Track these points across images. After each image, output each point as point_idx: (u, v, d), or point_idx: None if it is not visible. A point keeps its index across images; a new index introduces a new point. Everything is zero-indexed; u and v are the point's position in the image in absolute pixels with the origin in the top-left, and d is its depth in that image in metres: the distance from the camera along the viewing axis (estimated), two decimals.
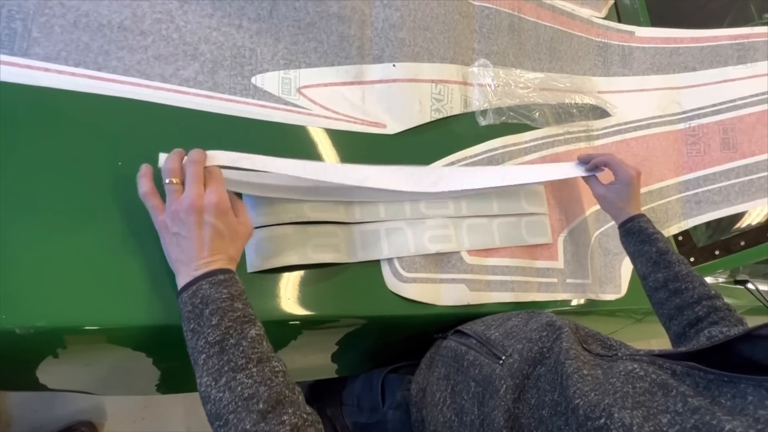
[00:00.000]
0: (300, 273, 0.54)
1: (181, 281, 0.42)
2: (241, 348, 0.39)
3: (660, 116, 0.87)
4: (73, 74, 0.48)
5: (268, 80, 0.58)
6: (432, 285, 0.61)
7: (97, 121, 0.48)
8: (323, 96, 0.61)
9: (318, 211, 0.56)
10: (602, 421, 0.34)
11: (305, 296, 0.53)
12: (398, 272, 0.60)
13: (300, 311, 0.53)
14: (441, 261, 0.63)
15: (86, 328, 0.43)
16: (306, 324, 0.54)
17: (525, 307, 0.69)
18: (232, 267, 0.44)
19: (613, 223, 0.82)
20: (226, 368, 0.38)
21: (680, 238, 0.86)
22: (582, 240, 0.77)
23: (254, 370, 0.39)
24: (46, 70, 0.47)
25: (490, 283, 0.66)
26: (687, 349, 0.41)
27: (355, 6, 0.64)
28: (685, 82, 0.89)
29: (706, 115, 0.87)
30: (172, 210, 0.42)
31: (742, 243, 0.86)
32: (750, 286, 0.93)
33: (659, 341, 1.76)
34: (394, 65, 0.66)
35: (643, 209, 0.84)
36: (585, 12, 0.88)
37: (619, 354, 0.44)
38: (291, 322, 0.53)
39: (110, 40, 0.51)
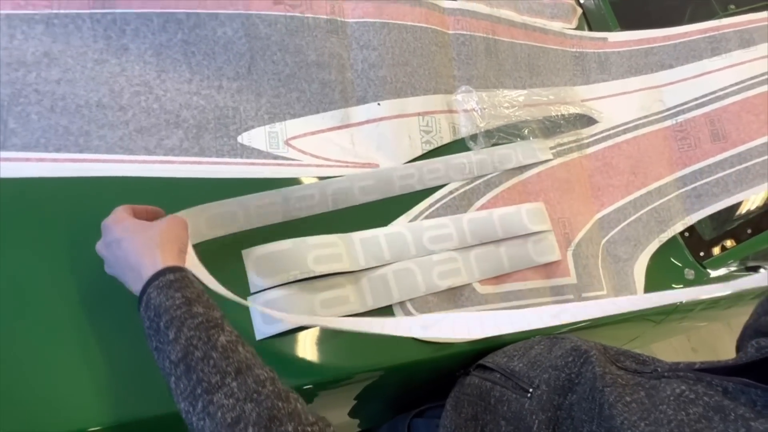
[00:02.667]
0: (309, 331, 0.52)
1: (136, 293, 0.37)
2: (211, 361, 0.33)
3: (646, 116, 0.88)
4: (55, 160, 0.47)
5: (255, 137, 0.57)
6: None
7: (85, 205, 0.47)
8: (312, 144, 0.60)
9: (322, 263, 0.54)
10: None
11: (317, 356, 0.51)
12: (411, 314, 0.57)
13: (313, 374, 0.50)
14: (454, 296, 0.61)
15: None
16: (321, 385, 0.52)
17: (543, 331, 0.67)
18: (180, 262, 0.39)
19: (618, 228, 0.82)
20: (198, 390, 0.32)
21: (686, 234, 0.85)
22: (590, 251, 0.75)
23: (233, 385, 0.32)
24: (27, 159, 0.46)
25: (506, 310, 0.64)
26: (734, 361, 0.38)
27: (332, 51, 0.64)
28: (665, 79, 0.89)
29: (690, 109, 0.87)
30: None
31: (749, 231, 0.85)
32: (763, 271, 0.92)
33: (679, 340, 1.73)
34: (378, 104, 0.65)
35: (645, 210, 0.84)
36: (556, 25, 0.89)
37: (659, 370, 0.42)
38: (305, 387, 0.50)
39: (90, 119, 0.50)
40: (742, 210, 0.86)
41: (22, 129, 0.47)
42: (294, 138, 0.59)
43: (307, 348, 0.51)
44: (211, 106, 0.56)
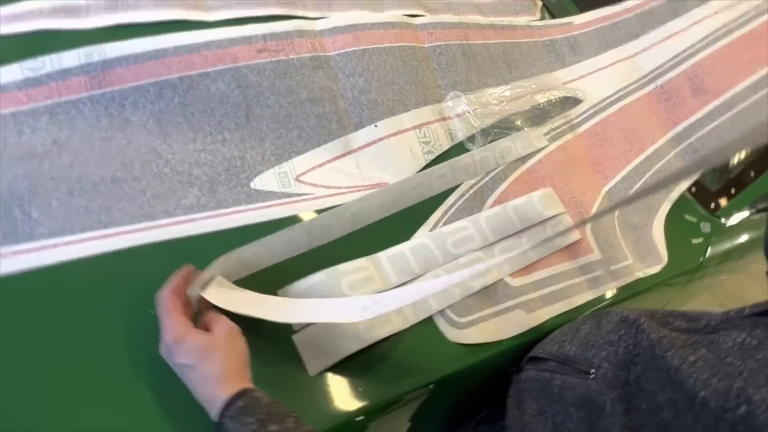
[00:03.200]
0: (353, 360, 0.51)
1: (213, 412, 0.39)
2: None
3: (627, 86, 0.90)
4: (82, 240, 0.48)
5: (266, 180, 0.58)
6: (490, 321, 0.59)
7: (119, 279, 0.47)
8: (321, 176, 0.62)
9: (356, 288, 0.54)
10: (742, 409, 0.32)
11: (364, 384, 0.50)
12: (454, 321, 0.57)
13: (363, 403, 0.49)
14: (489, 295, 0.61)
15: None
16: (372, 414, 0.51)
17: (582, 310, 0.67)
18: (245, 380, 0.40)
19: (627, 197, 0.83)
20: None
21: (693, 189, 0.87)
22: (607, 224, 0.76)
23: None
24: (55, 246, 0.47)
25: (543, 298, 0.65)
26: None
27: (321, 86, 0.66)
28: (636, 48, 0.93)
29: (667, 71, 0.90)
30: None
31: (752, 174, 0.87)
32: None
33: (705, 299, 1.72)
34: (375, 125, 0.67)
35: (648, 174, 0.85)
36: (522, 20, 0.92)
37: (711, 324, 0.42)
38: (356, 419, 0.50)
39: (108, 195, 0.51)
40: (741, 155, 0.88)
41: (45, 217, 0.47)
42: (303, 173, 0.61)
43: (353, 377, 0.51)
44: (218, 159, 0.57)
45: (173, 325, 0.39)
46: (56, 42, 0.55)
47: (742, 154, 0.88)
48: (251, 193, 0.57)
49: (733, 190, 0.87)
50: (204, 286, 0.43)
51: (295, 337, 0.51)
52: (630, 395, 0.42)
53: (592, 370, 0.47)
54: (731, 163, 0.88)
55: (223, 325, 0.42)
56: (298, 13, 0.70)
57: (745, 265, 1.59)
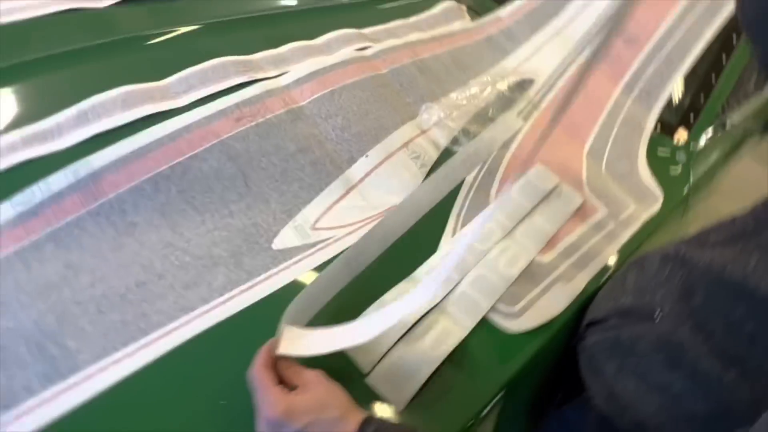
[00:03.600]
0: (426, 387, 0.50)
1: None
2: None
3: (567, 56, 0.97)
4: (128, 354, 0.45)
5: (285, 237, 0.58)
6: (540, 302, 0.60)
7: (179, 379, 0.45)
8: (335, 218, 0.62)
9: (409, 307, 0.54)
10: None
11: (446, 406, 0.49)
12: (507, 312, 0.58)
13: (452, 423, 0.48)
14: (528, 278, 0.62)
15: None
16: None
17: (611, 265, 0.69)
18: (361, 411, 0.40)
19: (607, 151, 0.87)
20: None
21: (658, 129, 0.93)
22: (599, 183, 0.80)
23: None
24: (102, 369, 0.44)
25: (574, 264, 0.66)
26: None
27: (305, 134, 0.67)
28: (563, 22, 1.00)
29: (597, 33, 0.98)
30: None
31: (702, 98, 0.94)
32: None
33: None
34: (366, 156, 0.68)
35: (617, 126, 0.91)
36: (456, 26, 0.99)
37: (748, 226, 0.44)
38: None
39: (138, 302, 0.49)
40: (682, 87, 0.96)
41: (84, 344, 0.45)
42: (317, 221, 0.61)
43: (433, 402, 0.50)
44: (233, 232, 0.57)
45: (276, 397, 0.38)
46: (40, 168, 0.54)
47: (687, 84, 0.95)
48: (276, 254, 0.56)
49: (691, 118, 0.94)
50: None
51: (369, 380, 0.49)
52: (702, 323, 0.44)
53: (656, 313, 0.48)
54: (681, 95, 0.95)
55: (310, 373, 0.41)
56: (260, 75, 0.71)
57: (716, 188, 1.69)
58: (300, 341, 0.43)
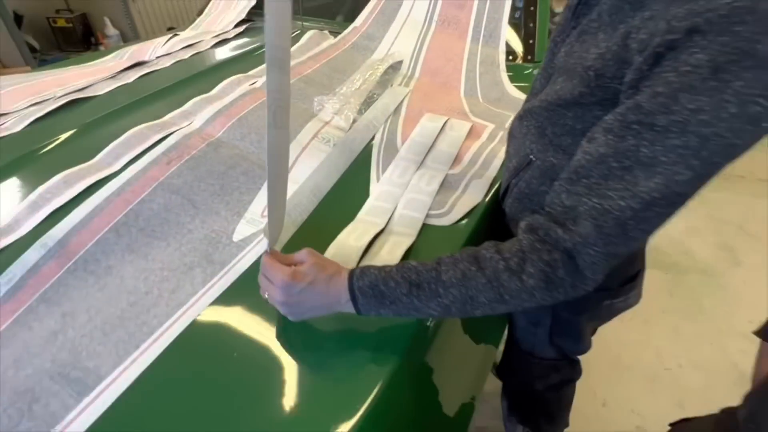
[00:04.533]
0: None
1: (345, 303, 0.48)
2: (431, 274, 0.46)
3: (421, 31, 1.17)
4: (142, 352, 0.52)
5: (242, 230, 0.68)
6: (463, 198, 0.73)
7: (187, 360, 0.52)
8: None
9: (360, 240, 0.64)
10: None
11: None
12: (440, 213, 0.70)
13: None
14: (447, 187, 0.75)
15: None
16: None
17: None
18: (346, 272, 0.50)
19: (479, 87, 1.05)
20: (433, 285, 0.45)
21: (510, 57, 1.12)
22: (481, 109, 0.97)
23: (449, 275, 0.45)
24: (125, 369, 0.50)
25: (481, 166, 0.80)
26: None
27: (229, 155, 0.78)
28: (406, 10, 1.21)
29: (433, 6, 1.19)
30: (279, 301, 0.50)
31: (531, 24, 1.16)
32: None
33: None
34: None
35: (478, 66, 1.09)
36: (325, 45, 1.17)
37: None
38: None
39: (135, 315, 0.56)
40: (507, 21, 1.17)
41: (100, 361, 0.51)
42: (263, 210, 0.71)
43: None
44: (196, 242, 0.65)
45: (283, 269, 0.49)
46: (9, 254, 0.61)
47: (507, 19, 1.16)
48: (238, 244, 0.66)
49: (531, 41, 1.15)
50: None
51: None
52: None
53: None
54: (515, 28, 1.16)
55: (302, 252, 0.52)
56: (174, 129, 0.83)
57: None
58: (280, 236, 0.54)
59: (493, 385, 1.05)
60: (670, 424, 0.68)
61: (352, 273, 0.49)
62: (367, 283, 0.48)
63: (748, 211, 2.12)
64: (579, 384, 0.92)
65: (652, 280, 0.78)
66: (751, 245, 1.92)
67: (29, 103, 0.99)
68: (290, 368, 0.51)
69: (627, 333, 1.54)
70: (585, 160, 0.42)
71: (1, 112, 0.96)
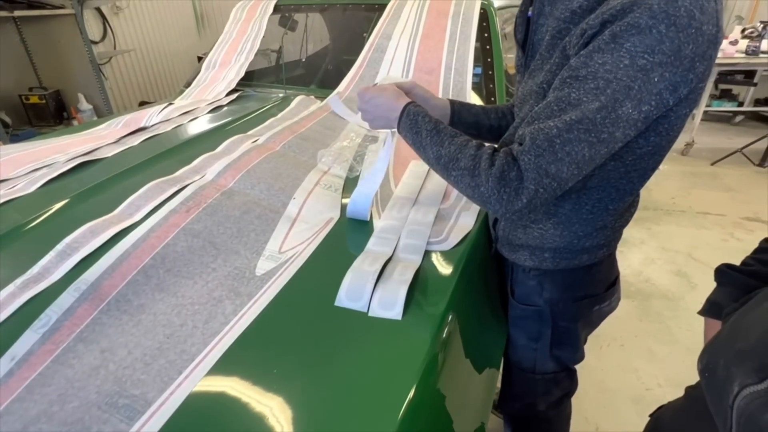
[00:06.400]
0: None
1: (394, 118, 0.69)
2: (450, 131, 0.63)
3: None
4: (186, 377, 0.55)
5: (263, 265, 0.74)
6: (457, 225, 0.83)
7: (228, 381, 0.56)
8: (292, 240, 0.80)
9: (380, 245, 0.72)
10: None
11: (426, 299, 0.68)
12: (439, 240, 0.79)
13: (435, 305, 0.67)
14: (441, 219, 0.86)
15: None
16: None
17: None
18: (406, 100, 0.70)
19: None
20: (444, 137, 0.62)
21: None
22: None
23: (459, 138, 0.62)
24: (171, 393, 0.54)
25: (467, 200, 0.92)
26: None
27: (243, 201, 0.86)
28: (384, 72, 1.38)
29: (407, 70, 1.37)
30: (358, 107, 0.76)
31: None
32: None
33: None
34: (294, 198, 0.89)
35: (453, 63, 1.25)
36: (313, 107, 1.30)
37: None
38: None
39: (173, 345, 0.59)
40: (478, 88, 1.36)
41: (146, 388, 0.54)
42: (281, 246, 0.78)
43: (413, 304, 0.67)
44: (221, 278, 0.71)
45: (368, 90, 0.74)
46: (41, 301, 0.64)
47: (470, 85, 1.36)
48: (262, 277, 0.71)
49: (492, 98, 1.33)
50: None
51: (369, 314, 0.65)
52: None
53: None
54: (476, 91, 1.34)
55: (386, 88, 0.74)
56: (187, 182, 0.90)
57: None
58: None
59: (494, 424, 1.09)
60: (650, 415, 0.76)
61: (410, 102, 0.69)
62: (413, 110, 0.67)
63: (693, 241, 2.35)
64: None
65: (621, 307, 0.89)
66: (702, 270, 2.11)
67: (31, 169, 1.04)
68: (311, 395, 0.55)
69: (607, 359, 1.63)
70: (539, 108, 0.56)
71: (3, 178, 1.00)
